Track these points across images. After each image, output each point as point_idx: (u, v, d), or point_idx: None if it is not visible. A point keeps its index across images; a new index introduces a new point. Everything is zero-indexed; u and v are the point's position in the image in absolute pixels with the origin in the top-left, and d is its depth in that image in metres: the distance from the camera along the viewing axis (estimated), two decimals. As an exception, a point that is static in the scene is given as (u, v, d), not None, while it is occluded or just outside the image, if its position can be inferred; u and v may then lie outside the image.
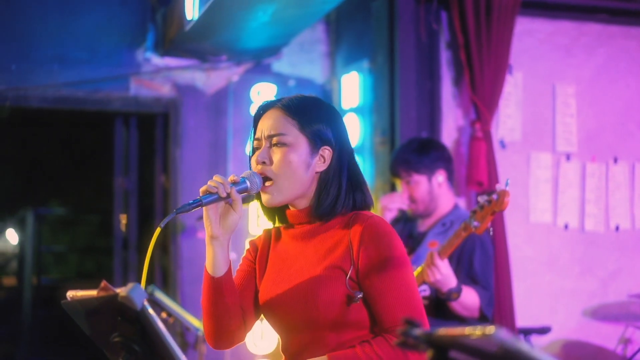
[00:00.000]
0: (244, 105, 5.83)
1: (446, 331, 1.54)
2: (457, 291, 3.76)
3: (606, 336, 5.44)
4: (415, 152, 4.17)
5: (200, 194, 2.31)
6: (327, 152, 2.41)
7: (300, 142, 2.38)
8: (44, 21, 5.63)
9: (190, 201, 2.28)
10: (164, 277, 5.88)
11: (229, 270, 2.38)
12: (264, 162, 2.37)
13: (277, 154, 2.37)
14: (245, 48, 5.64)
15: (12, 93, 5.53)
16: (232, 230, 2.36)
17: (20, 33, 5.61)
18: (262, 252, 2.53)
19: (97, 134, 8.39)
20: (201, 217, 4.81)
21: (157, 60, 5.80)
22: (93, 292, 2.16)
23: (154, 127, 6.00)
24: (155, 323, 2.03)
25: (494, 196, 3.52)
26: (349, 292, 2.32)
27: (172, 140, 5.84)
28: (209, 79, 5.86)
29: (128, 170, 6.07)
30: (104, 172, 6.19)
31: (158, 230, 2.27)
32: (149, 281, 5.56)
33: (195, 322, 4.75)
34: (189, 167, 5.78)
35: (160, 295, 4.66)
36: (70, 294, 2.24)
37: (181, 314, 4.72)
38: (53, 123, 8.22)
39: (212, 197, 2.30)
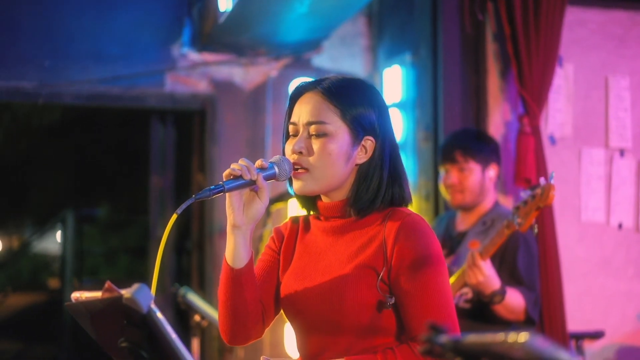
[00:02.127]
0: (282, 102, 5.70)
1: (475, 338, 1.40)
2: (502, 293, 3.60)
3: (663, 341, 5.24)
4: (475, 139, 4.06)
5: (224, 178, 2.15)
6: (369, 142, 2.25)
7: (341, 131, 2.21)
8: (78, 17, 5.58)
9: (212, 186, 2.13)
10: (200, 278, 5.77)
11: (250, 262, 2.22)
12: (300, 152, 2.20)
13: (315, 144, 2.20)
14: (283, 42, 5.54)
15: (45, 90, 5.47)
16: (256, 219, 2.20)
17: (54, 29, 5.57)
18: (288, 242, 2.37)
19: (137, 132, 8.37)
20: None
21: (194, 56, 5.71)
22: (98, 294, 2.03)
23: (191, 124, 5.92)
24: (163, 327, 1.89)
25: (538, 191, 3.36)
26: (380, 296, 2.16)
27: (208, 138, 5.74)
28: (246, 75, 5.75)
29: (164, 169, 5.99)
30: (139, 171, 6.13)
31: (174, 217, 2.12)
32: (185, 283, 5.45)
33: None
34: (226, 164, 5.56)
35: (193, 297, 4.54)
36: (75, 295, 2.12)
37: (216, 317, 4.58)
38: (93, 122, 8.22)
39: (236, 183, 2.14)
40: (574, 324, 5.02)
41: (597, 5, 5.41)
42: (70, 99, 5.54)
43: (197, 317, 4.52)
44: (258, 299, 2.27)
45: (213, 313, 4.57)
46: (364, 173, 2.24)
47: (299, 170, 2.21)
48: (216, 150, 5.70)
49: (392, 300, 2.16)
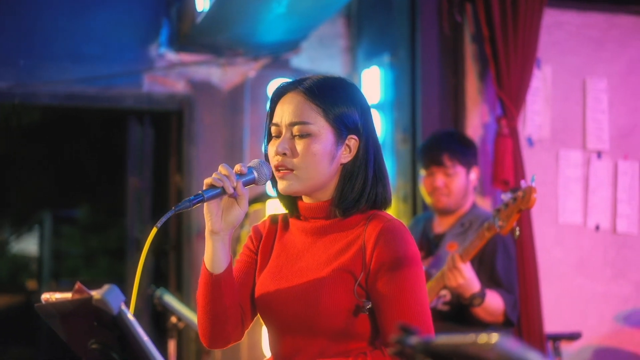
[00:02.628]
0: (261, 102, 5.69)
1: (446, 339, 1.40)
2: (481, 296, 3.60)
3: (640, 343, 5.26)
4: (460, 143, 4.05)
5: (204, 187, 2.13)
6: (353, 141, 2.23)
7: (325, 131, 2.19)
8: (55, 16, 5.53)
9: (191, 197, 2.11)
10: (177, 280, 5.74)
11: (229, 267, 2.20)
12: (284, 154, 2.18)
13: (299, 145, 2.18)
14: (262, 42, 5.52)
15: (20, 89, 5.42)
16: (234, 225, 2.18)
17: (30, 28, 5.51)
18: (266, 241, 2.35)
19: (122, 135, 8.34)
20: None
21: (171, 56, 5.67)
22: (68, 295, 2.01)
23: (168, 125, 5.88)
24: (134, 328, 1.87)
25: (520, 193, 3.36)
26: (357, 300, 2.14)
27: (186, 139, 5.70)
28: (224, 75, 5.72)
29: (142, 170, 5.95)
30: (116, 172, 6.10)
31: (154, 231, 2.10)
32: (163, 284, 5.42)
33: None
34: (204, 166, 5.64)
35: (170, 299, 4.51)
36: (45, 296, 2.10)
37: (193, 319, 4.56)
38: (84, 126, 8.19)
39: (215, 192, 2.11)
40: (551, 326, 5.02)
41: (575, 8, 5.42)
42: (47, 99, 5.49)
43: (173, 319, 4.49)
44: (237, 303, 2.25)
45: (190, 315, 4.55)
46: (348, 172, 2.23)
47: (284, 171, 2.19)
48: (194, 151, 5.67)
49: (369, 305, 2.15)
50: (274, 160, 2.20)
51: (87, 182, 9.73)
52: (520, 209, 3.38)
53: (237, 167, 2.17)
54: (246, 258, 2.35)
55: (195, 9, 4.89)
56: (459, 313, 3.74)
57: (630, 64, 5.47)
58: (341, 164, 2.23)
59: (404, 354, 1.46)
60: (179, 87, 5.69)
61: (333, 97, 2.21)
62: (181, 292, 5.57)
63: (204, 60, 5.70)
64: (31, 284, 10.43)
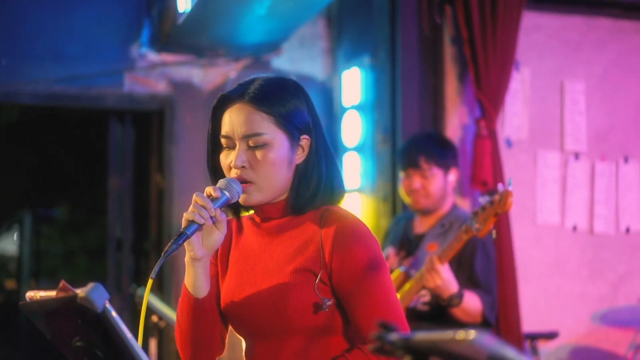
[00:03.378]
0: (242, 103, 5.69)
1: (425, 336, 1.42)
2: (459, 297, 3.64)
3: (616, 342, 5.33)
4: (437, 145, 4.08)
5: (183, 224, 2.12)
6: (305, 141, 2.24)
7: (280, 137, 2.19)
8: (36, 15, 5.52)
9: (176, 238, 2.10)
10: (159, 280, 5.75)
11: (212, 290, 2.22)
12: (243, 167, 2.17)
13: (257, 156, 2.17)
14: (243, 43, 5.53)
15: (2, 89, 5.42)
16: (214, 249, 2.17)
17: (10, 27, 5.49)
18: (223, 249, 2.34)
19: (95, 132, 8.30)
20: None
21: (153, 56, 5.67)
22: (53, 293, 2.02)
23: (149, 125, 5.88)
24: (118, 326, 1.89)
25: (496, 197, 3.41)
26: (318, 298, 2.16)
27: (167, 139, 5.71)
28: (205, 76, 5.73)
29: (123, 169, 5.95)
30: (96, 171, 6.09)
31: (150, 282, 2.12)
32: (143, 284, 5.43)
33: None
34: (185, 166, 5.65)
35: (151, 299, 4.52)
36: (30, 294, 2.11)
37: (174, 318, 4.58)
38: (49, 121, 8.14)
39: (197, 227, 2.11)
40: (529, 325, 5.06)
41: (553, 11, 5.47)
42: (28, 98, 5.47)
43: (154, 318, 4.50)
44: (220, 322, 2.27)
45: (171, 314, 4.56)
46: (302, 172, 2.23)
47: (244, 185, 2.18)
48: (175, 150, 5.68)
49: (330, 302, 2.16)
50: (231, 173, 2.19)
51: (65, 181, 9.69)
52: (497, 212, 3.43)
53: (209, 191, 2.14)
54: (212, 272, 2.31)
55: (176, 9, 4.89)
56: (438, 313, 3.78)
57: (608, 67, 5.54)
58: (295, 165, 2.24)
59: (383, 350, 1.49)
60: (160, 87, 5.69)
61: (280, 100, 2.20)
62: (162, 291, 5.58)
63: (185, 61, 5.70)
64: (9, 284, 10.38)
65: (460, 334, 1.33)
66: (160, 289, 5.64)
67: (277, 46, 5.73)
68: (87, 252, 10.30)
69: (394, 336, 1.47)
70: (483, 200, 3.48)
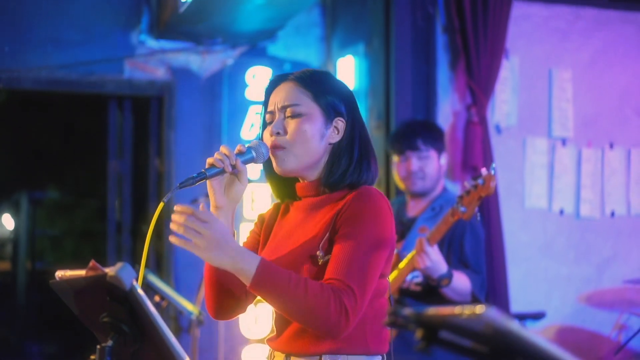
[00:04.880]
0: (238, 89, 5.80)
1: (436, 311, 1.52)
2: (448, 277, 3.77)
3: (601, 322, 5.45)
4: (431, 129, 4.24)
5: (206, 166, 2.29)
6: (340, 123, 2.42)
7: (315, 112, 2.38)
8: (38, 2, 5.59)
9: (194, 174, 2.27)
10: (157, 261, 5.86)
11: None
12: (278, 133, 2.38)
13: (291, 124, 2.38)
14: (240, 31, 5.61)
15: (4, 75, 5.49)
16: (237, 200, 2.36)
17: (13, 14, 5.55)
18: (267, 223, 2.54)
19: (93, 117, 8.35)
20: (195, 200, 4.78)
21: (152, 43, 5.76)
22: (82, 272, 2.15)
23: (148, 110, 5.96)
24: (144, 303, 2.02)
25: (480, 181, 3.54)
26: (316, 253, 2.31)
27: (166, 124, 5.80)
28: (203, 62, 5.83)
29: (122, 153, 6.05)
30: (102, 156, 6.16)
31: (161, 205, 2.27)
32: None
33: (189, 306, 4.75)
34: (183, 150, 5.76)
35: (153, 279, 4.66)
36: (59, 273, 2.24)
37: (175, 298, 4.71)
38: (48, 106, 8.19)
39: (217, 170, 2.28)
40: (517, 305, 5.20)
41: (542, 0, 5.56)
42: (30, 84, 5.55)
43: (157, 298, 4.63)
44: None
45: (172, 293, 4.70)
46: (336, 152, 2.41)
47: (278, 150, 2.37)
48: (173, 135, 5.78)
49: (326, 257, 2.30)
50: (268, 141, 2.39)
51: (53, 164, 9.71)
52: (481, 195, 3.58)
53: (238, 147, 2.36)
54: (251, 239, 2.56)
55: (179, -1, 4.97)
56: (430, 293, 3.91)
57: (594, 55, 5.64)
58: (330, 144, 2.41)
59: (395, 323, 1.62)
60: (159, 73, 5.78)
61: (322, 85, 2.42)
62: (161, 272, 5.69)
63: (184, 48, 5.79)
64: (3, 265, 10.45)
65: (469, 309, 1.44)
66: (159, 271, 5.75)
67: (273, 34, 5.81)
68: (74, 235, 10.36)
69: (407, 311, 1.60)
70: (468, 184, 3.63)
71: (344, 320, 2.20)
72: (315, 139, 2.37)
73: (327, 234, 2.32)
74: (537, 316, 5.14)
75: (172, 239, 2.24)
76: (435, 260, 3.71)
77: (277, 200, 2.57)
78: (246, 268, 2.21)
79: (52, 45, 5.58)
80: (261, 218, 2.58)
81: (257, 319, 5.53)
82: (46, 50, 5.56)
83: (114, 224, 6.07)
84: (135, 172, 6.09)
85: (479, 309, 1.42)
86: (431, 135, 4.16)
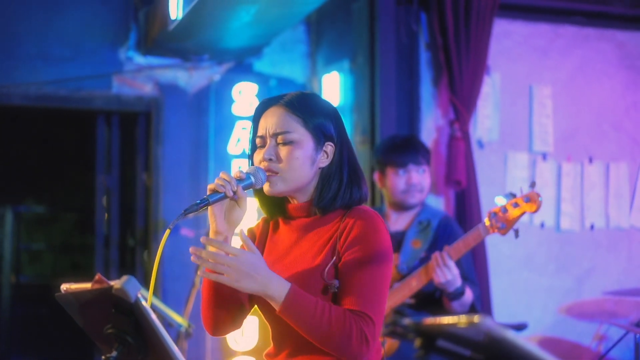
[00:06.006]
0: (225, 104, 5.86)
1: (433, 320, 1.59)
2: (462, 291, 3.84)
3: (581, 333, 5.52)
4: (424, 145, 4.30)
5: (208, 192, 2.37)
6: (329, 147, 2.49)
7: (305, 138, 2.44)
8: (26, 18, 5.63)
9: (198, 201, 2.35)
10: (145, 273, 5.91)
11: None
12: (270, 159, 2.43)
13: (283, 151, 2.43)
14: (227, 48, 5.67)
15: (-6, 90, 5.55)
16: (236, 225, 2.44)
17: (2, 30, 5.61)
18: (259, 241, 2.60)
19: (75, 131, 8.38)
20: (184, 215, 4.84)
21: (140, 59, 5.83)
22: (87, 285, 2.20)
23: (136, 125, 6.02)
24: (149, 315, 2.08)
25: (525, 199, 3.61)
26: (326, 282, 2.39)
27: (154, 139, 5.86)
28: (191, 78, 5.89)
29: (110, 168, 6.09)
30: (81, 170, 6.19)
31: (167, 232, 2.34)
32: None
33: (178, 318, 4.79)
34: (170, 165, 5.81)
35: (143, 292, 4.69)
36: (64, 286, 2.28)
37: (163, 310, 4.75)
38: (30, 121, 8.20)
39: (219, 196, 2.37)
40: (499, 317, 5.26)
41: (522, 18, 5.66)
42: (19, 100, 5.61)
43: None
44: (238, 294, 2.48)
45: (161, 306, 4.74)
46: (326, 175, 2.48)
47: (270, 175, 2.44)
48: (161, 150, 5.83)
49: (337, 284, 2.38)
50: (260, 166, 2.46)
51: (31, 177, 9.69)
52: (525, 212, 3.66)
53: (237, 174, 2.42)
54: None
55: (168, 16, 5.00)
56: (424, 304, 3.98)
57: (573, 72, 5.73)
58: (319, 168, 2.49)
59: (395, 333, 1.68)
60: (147, 89, 5.84)
61: (311, 109, 2.48)
62: (148, 285, 5.72)
63: (171, 64, 5.85)
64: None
65: (466, 318, 1.50)
66: (146, 285, 5.79)
67: (259, 50, 5.87)
68: (52, 249, 10.32)
69: (406, 321, 1.67)
70: (505, 200, 3.69)
71: (365, 348, 2.31)
72: (306, 165, 2.44)
73: (332, 261, 2.39)
74: (519, 327, 5.17)
75: (203, 273, 2.33)
76: (455, 274, 3.78)
77: (266, 214, 2.62)
78: (276, 295, 2.31)
79: (41, 61, 5.62)
80: (252, 234, 2.63)
81: (244, 331, 5.58)
82: (35, 66, 5.61)
83: (102, 238, 6.11)
84: (122, 187, 6.13)
85: (476, 318, 1.48)
86: (427, 150, 4.26)
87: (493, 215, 3.69)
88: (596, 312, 5.48)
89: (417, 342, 1.64)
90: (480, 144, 5.47)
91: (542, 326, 5.52)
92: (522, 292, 5.54)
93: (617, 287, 5.59)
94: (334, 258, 2.40)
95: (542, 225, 5.58)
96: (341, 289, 2.38)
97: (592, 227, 5.69)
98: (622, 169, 5.76)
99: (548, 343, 5.50)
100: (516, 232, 3.71)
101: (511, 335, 1.52)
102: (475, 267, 4.20)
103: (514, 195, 3.68)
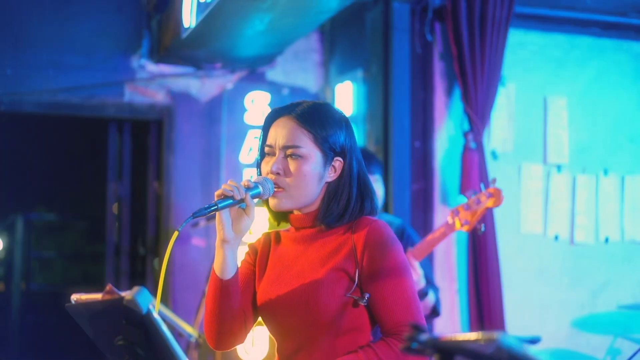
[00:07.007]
0: (237, 113, 5.85)
1: (452, 336, 1.56)
2: (427, 291, 3.83)
3: (595, 347, 5.43)
4: (374, 155, 4.40)
5: (215, 198, 2.34)
6: (338, 163, 2.46)
7: (314, 154, 2.42)
8: (40, 26, 5.65)
9: (206, 205, 2.32)
10: (155, 282, 5.89)
11: (237, 273, 2.42)
12: (278, 173, 2.41)
13: (291, 166, 2.41)
14: (239, 56, 5.66)
15: (7, 98, 5.54)
16: (243, 234, 2.40)
17: (16, 38, 5.62)
18: (262, 254, 2.56)
19: (87, 139, 8.38)
20: (196, 224, 4.82)
21: (152, 67, 5.82)
22: (98, 296, 2.18)
23: (148, 133, 6.02)
24: (159, 327, 2.05)
25: (487, 194, 3.57)
26: (350, 299, 2.36)
27: (165, 147, 5.85)
28: (203, 87, 5.89)
29: (121, 176, 6.09)
30: (93, 178, 6.19)
31: (176, 234, 2.31)
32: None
33: (188, 328, 4.77)
34: (182, 174, 5.80)
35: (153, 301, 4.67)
36: (75, 297, 2.26)
37: (173, 320, 4.73)
38: (42, 128, 8.22)
39: (228, 202, 2.33)
40: (512, 330, 5.21)
41: (538, 29, 5.63)
42: (31, 107, 5.61)
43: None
44: (242, 307, 2.45)
45: (171, 315, 4.72)
46: (333, 190, 2.45)
47: (277, 190, 2.41)
48: (172, 159, 5.82)
49: (367, 297, 2.35)
50: (268, 177, 2.42)
51: (44, 185, 9.71)
52: (487, 207, 3.61)
53: (245, 182, 2.38)
54: (245, 270, 2.55)
55: (181, 24, 5.01)
56: None
57: (589, 83, 5.70)
58: (326, 182, 2.46)
59: (412, 349, 1.65)
60: (159, 97, 5.83)
61: (321, 122, 2.44)
62: (168, 302, 5.71)
63: (184, 72, 5.85)
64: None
65: (485, 335, 1.48)
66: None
67: (272, 59, 5.87)
68: (63, 257, 10.33)
69: (424, 336, 1.64)
70: (469, 196, 3.67)
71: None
72: (314, 180, 2.41)
73: (355, 273, 2.37)
74: (532, 341, 5.06)
75: None
76: (420, 274, 3.77)
77: (273, 221, 2.58)
78: None
79: (53, 69, 5.63)
80: (253, 248, 2.59)
81: (254, 341, 5.55)
82: (48, 74, 5.61)
83: (113, 246, 6.10)
84: (134, 195, 6.12)
85: (494, 335, 1.46)
86: (378, 160, 4.36)
87: (456, 212, 3.66)
88: (610, 325, 5.42)
89: (435, 358, 1.61)
90: (495, 155, 5.45)
91: (555, 340, 5.48)
92: (536, 305, 5.51)
93: (632, 300, 5.56)
94: (357, 271, 2.37)
95: (557, 237, 5.55)
96: (380, 300, 2.36)
97: (606, 240, 5.66)
98: (637, 181, 5.73)
99: (561, 357, 5.45)
100: (480, 228, 3.68)
101: (529, 351, 1.49)
102: (482, 280, 4.16)
103: (476, 193, 3.65)
